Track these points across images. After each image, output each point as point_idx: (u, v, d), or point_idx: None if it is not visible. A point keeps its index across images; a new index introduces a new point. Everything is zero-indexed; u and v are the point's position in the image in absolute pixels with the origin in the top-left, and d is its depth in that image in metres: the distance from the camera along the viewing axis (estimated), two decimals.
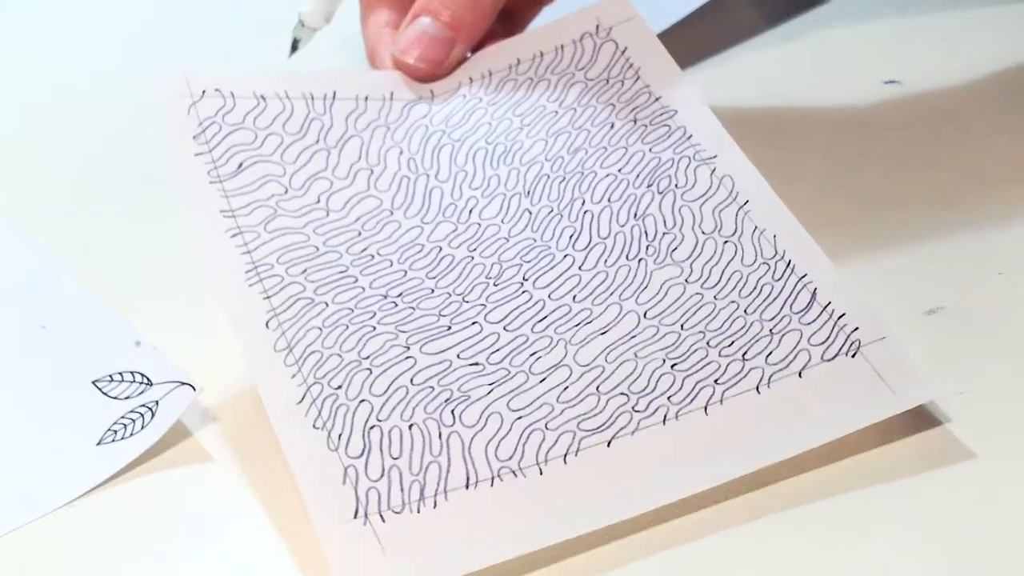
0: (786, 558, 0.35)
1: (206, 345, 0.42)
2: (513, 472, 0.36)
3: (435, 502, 0.36)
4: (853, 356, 0.38)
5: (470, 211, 0.43)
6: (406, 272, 0.41)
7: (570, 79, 0.47)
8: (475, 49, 0.48)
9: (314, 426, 0.37)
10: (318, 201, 0.43)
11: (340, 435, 0.37)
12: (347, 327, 0.39)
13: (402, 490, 0.36)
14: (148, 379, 0.40)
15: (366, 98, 0.46)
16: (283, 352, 0.39)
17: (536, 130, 0.45)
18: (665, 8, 0.56)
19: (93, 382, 0.40)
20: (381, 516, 0.35)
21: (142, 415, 0.39)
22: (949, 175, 0.48)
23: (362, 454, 0.36)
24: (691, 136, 0.44)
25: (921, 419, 0.38)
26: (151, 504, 0.37)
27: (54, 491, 0.37)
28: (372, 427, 0.37)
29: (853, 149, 0.50)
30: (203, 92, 0.44)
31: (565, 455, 0.37)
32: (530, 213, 0.43)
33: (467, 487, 0.36)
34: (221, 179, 0.43)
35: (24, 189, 0.51)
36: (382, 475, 0.36)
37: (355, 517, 0.35)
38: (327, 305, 0.40)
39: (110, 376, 0.40)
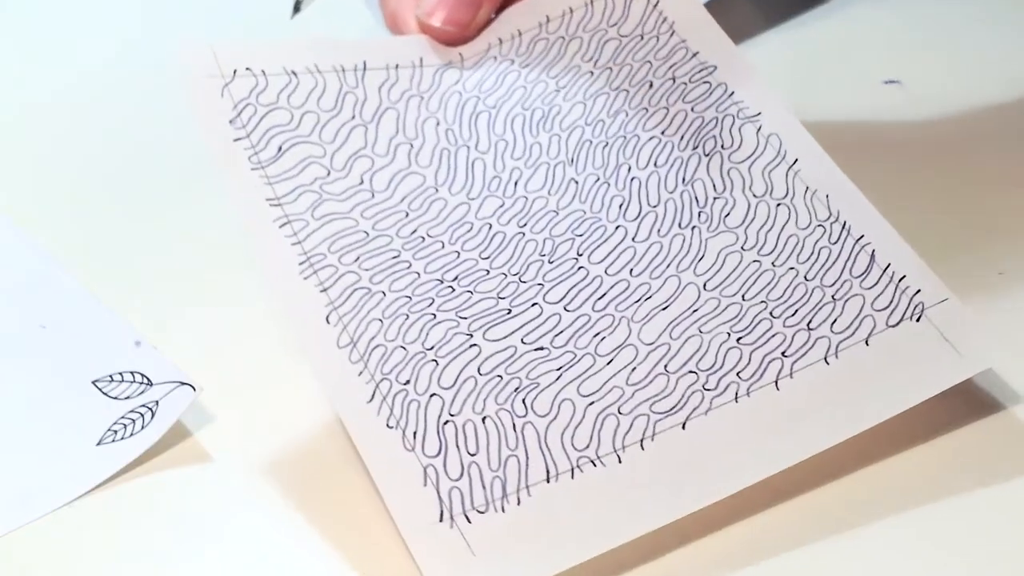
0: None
1: (206, 345, 0.42)
2: (592, 462, 0.35)
3: (518, 499, 0.35)
4: (918, 320, 0.37)
5: (515, 184, 0.42)
6: (459, 253, 0.40)
7: (603, 36, 0.45)
8: (501, 8, 0.47)
9: (388, 425, 0.36)
10: (361, 182, 0.42)
11: (415, 433, 0.36)
12: (407, 316, 0.38)
13: (484, 488, 0.35)
14: (148, 379, 0.40)
15: (396, 66, 0.45)
16: (347, 348, 0.38)
17: (573, 92, 0.44)
18: None
19: (93, 382, 0.40)
20: (467, 517, 0.35)
21: (142, 415, 0.39)
22: (949, 175, 0.48)
23: (439, 452, 0.36)
24: (733, 93, 0.43)
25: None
26: (151, 504, 0.37)
27: (54, 491, 0.37)
28: (446, 423, 0.36)
29: (853, 149, 0.50)
30: (234, 72, 0.43)
31: (641, 440, 0.36)
32: (576, 183, 0.42)
33: (548, 480, 0.35)
34: (263, 164, 0.41)
35: (24, 189, 0.51)
36: (462, 474, 0.35)
37: (440, 520, 0.34)
38: (384, 294, 0.39)
39: (110, 376, 0.40)
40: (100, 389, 0.40)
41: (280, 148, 0.41)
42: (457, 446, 0.36)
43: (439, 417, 0.36)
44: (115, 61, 0.58)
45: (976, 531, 0.35)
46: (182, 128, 0.52)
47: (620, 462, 0.35)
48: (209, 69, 0.42)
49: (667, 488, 0.35)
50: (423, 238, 0.41)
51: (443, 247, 0.40)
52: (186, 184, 0.49)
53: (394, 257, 0.40)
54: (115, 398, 0.39)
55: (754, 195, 0.40)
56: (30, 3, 0.63)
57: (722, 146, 0.42)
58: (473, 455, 0.35)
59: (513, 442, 0.36)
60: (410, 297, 0.39)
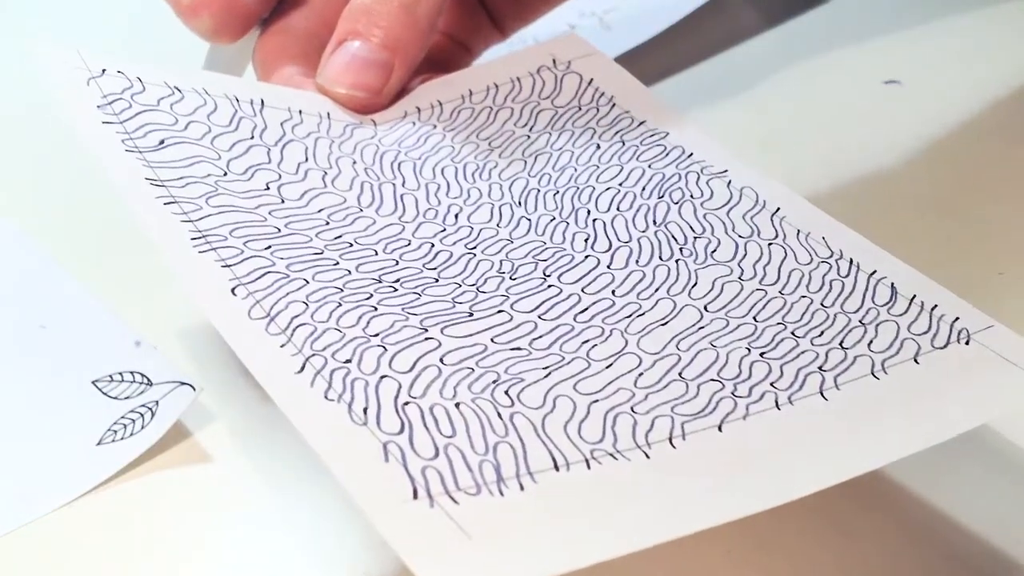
0: None
1: (206, 345, 0.42)
2: (612, 455, 0.30)
3: (520, 484, 0.29)
4: (967, 343, 0.34)
5: (456, 215, 0.37)
6: (397, 261, 0.35)
7: (535, 107, 0.41)
8: (416, 76, 0.42)
9: (327, 397, 0.30)
10: (268, 188, 0.36)
11: (366, 409, 0.30)
12: (339, 304, 0.32)
13: (470, 469, 0.29)
14: (148, 379, 0.40)
15: (300, 111, 0.39)
16: (262, 320, 0.32)
17: (509, 151, 0.39)
18: (665, 8, 0.56)
19: (93, 382, 0.40)
20: (451, 497, 0.29)
21: (142, 415, 0.39)
22: (949, 175, 0.48)
23: (402, 430, 0.30)
24: (692, 154, 0.39)
25: None
26: (151, 504, 0.37)
27: (54, 491, 0.37)
28: (406, 403, 0.30)
29: (853, 149, 0.50)
30: (103, 70, 0.37)
31: (670, 438, 0.31)
32: (529, 220, 0.37)
33: (557, 468, 0.30)
34: (140, 150, 0.35)
35: (24, 189, 0.50)
36: (437, 454, 0.29)
37: (415, 498, 0.29)
38: (307, 282, 0.33)
39: (110, 376, 0.40)
40: (100, 389, 0.40)
41: (162, 142, 0.36)
42: (426, 427, 0.30)
43: (396, 397, 0.30)
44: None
45: None
46: None
47: (648, 458, 0.30)
48: (73, 62, 0.37)
49: (711, 488, 0.30)
50: (351, 244, 0.35)
51: (376, 255, 0.35)
52: None
53: (316, 253, 0.34)
54: (115, 398, 0.39)
55: (740, 236, 0.36)
56: (30, 3, 0.63)
57: (691, 196, 0.38)
58: (450, 437, 0.30)
59: (502, 429, 0.30)
60: (340, 289, 0.33)
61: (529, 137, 0.40)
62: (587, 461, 0.30)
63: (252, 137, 0.37)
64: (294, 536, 0.36)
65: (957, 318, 0.34)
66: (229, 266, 0.33)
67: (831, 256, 0.36)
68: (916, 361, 0.33)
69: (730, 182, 0.38)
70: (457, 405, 0.31)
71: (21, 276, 0.44)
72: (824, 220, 0.37)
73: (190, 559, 0.36)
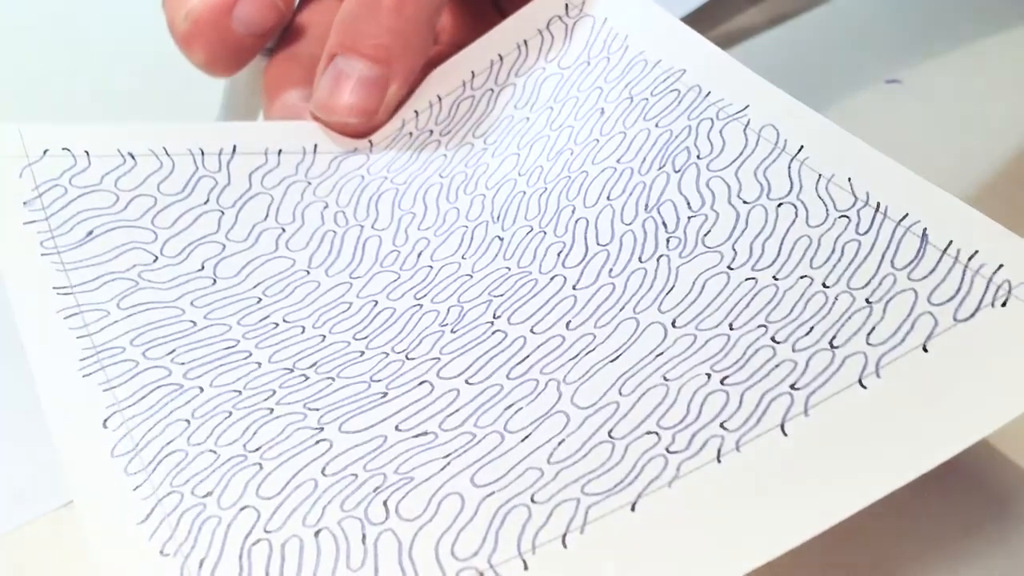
0: None
1: None
2: (481, 573, 0.25)
3: None
4: (1004, 304, 0.27)
5: (418, 255, 0.35)
6: (324, 337, 0.33)
7: (540, 75, 0.38)
8: (419, 79, 0.39)
9: (162, 552, 0.27)
10: (202, 268, 0.34)
11: (203, 560, 0.27)
12: (230, 413, 0.30)
13: None
14: None
15: (279, 151, 0.37)
16: (125, 456, 0.29)
17: (504, 146, 0.37)
18: (665, 8, 0.56)
19: None
20: None
21: None
22: (949, 175, 0.48)
23: None
24: (709, 93, 0.34)
25: None
26: None
27: (54, 491, 0.37)
28: (256, 542, 0.27)
29: None
30: (44, 151, 0.35)
31: (564, 535, 0.26)
32: (501, 240, 0.34)
33: None
34: (59, 250, 0.33)
35: None
36: None
37: None
38: (202, 390, 0.31)
39: None
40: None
41: (91, 233, 0.34)
42: (267, 572, 0.26)
43: (247, 536, 0.27)
44: (115, 60, 0.58)
45: None
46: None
47: (527, 569, 0.25)
48: (10, 149, 0.35)
49: None
50: (276, 324, 0.33)
51: (303, 331, 0.33)
52: None
53: (228, 348, 0.32)
54: None
55: (744, 202, 0.32)
56: (30, 3, 0.63)
57: (698, 156, 0.33)
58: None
59: (358, 560, 0.26)
60: (240, 392, 0.31)
61: (528, 119, 0.37)
62: None
63: (207, 202, 0.35)
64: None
65: (1000, 266, 0.28)
66: (112, 388, 0.31)
67: (853, 205, 0.30)
68: (925, 349, 0.27)
69: (748, 123, 0.33)
70: (317, 533, 0.27)
71: None
72: (854, 154, 0.31)
73: None
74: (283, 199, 0.36)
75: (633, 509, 0.26)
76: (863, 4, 0.59)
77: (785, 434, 0.26)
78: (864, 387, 0.27)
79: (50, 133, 0.35)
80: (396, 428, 0.29)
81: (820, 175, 0.31)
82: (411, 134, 0.38)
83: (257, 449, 0.29)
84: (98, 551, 0.27)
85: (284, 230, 0.35)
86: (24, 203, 0.34)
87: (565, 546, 0.25)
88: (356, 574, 0.26)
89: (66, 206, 0.34)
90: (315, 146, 0.37)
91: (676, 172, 0.33)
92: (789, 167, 0.32)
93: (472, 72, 0.39)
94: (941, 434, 0.25)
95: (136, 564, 0.26)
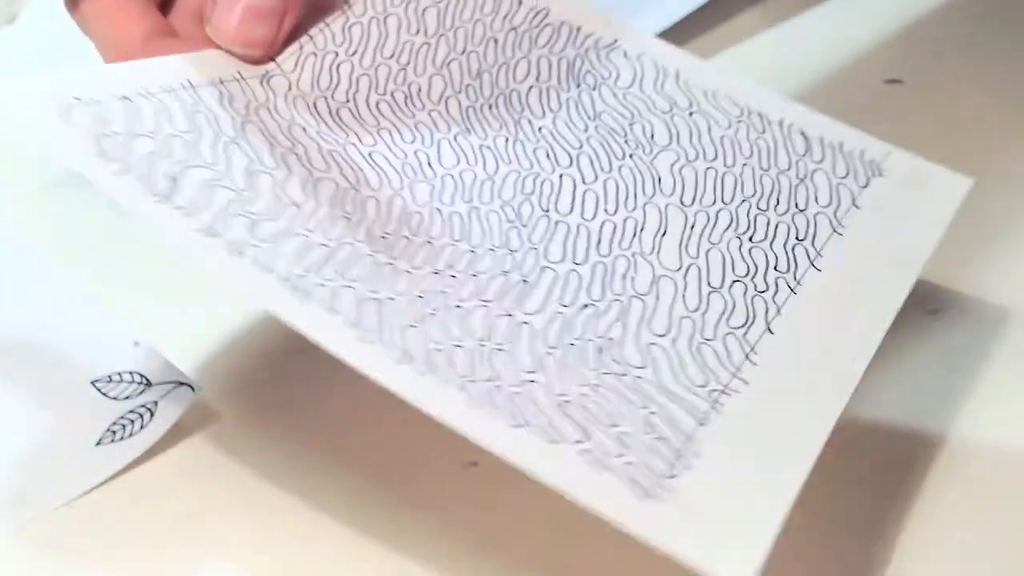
0: None
1: (206, 345, 0.42)
2: (723, 391, 0.33)
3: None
4: (881, 176, 0.38)
5: (429, 165, 0.38)
6: (431, 242, 0.35)
7: (417, 4, 0.40)
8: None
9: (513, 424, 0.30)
10: (277, 197, 0.34)
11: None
12: (434, 313, 0.33)
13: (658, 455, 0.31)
14: (147, 379, 0.40)
15: (220, 80, 0.37)
16: (405, 365, 0.31)
17: (421, 67, 0.40)
18: (665, 8, 0.56)
19: (92, 382, 0.40)
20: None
21: (141, 415, 0.39)
22: None
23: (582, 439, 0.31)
24: (580, 28, 0.41)
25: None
26: (151, 504, 0.37)
27: (54, 491, 0.37)
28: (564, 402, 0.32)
29: None
30: (75, 99, 0.34)
31: (747, 356, 0.34)
32: (490, 149, 0.38)
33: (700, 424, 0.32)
34: (166, 196, 0.33)
35: (24, 189, 0.50)
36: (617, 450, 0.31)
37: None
38: (393, 299, 0.33)
39: (109, 377, 0.40)
40: (99, 389, 0.39)
41: (175, 179, 0.33)
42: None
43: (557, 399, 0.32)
44: None
45: None
46: None
47: (747, 384, 0.33)
48: (38, 97, 0.34)
49: (806, 395, 0.33)
50: (383, 236, 0.35)
51: (409, 240, 0.35)
52: None
53: (372, 261, 0.33)
54: (114, 398, 0.39)
55: (663, 112, 0.39)
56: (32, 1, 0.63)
57: (602, 77, 0.40)
58: (615, 425, 0.31)
59: (640, 400, 0.32)
60: (421, 296, 0.33)
61: (430, 45, 0.40)
62: (709, 411, 0.32)
63: (217, 135, 0.35)
64: (293, 536, 0.36)
65: (863, 151, 0.38)
66: (337, 311, 0.32)
67: (743, 113, 0.39)
68: (856, 206, 0.37)
69: (626, 52, 0.40)
70: (596, 388, 0.32)
71: (21, 276, 0.44)
72: (719, 76, 0.40)
73: (190, 559, 0.36)
74: (265, 124, 0.36)
75: (771, 332, 0.34)
76: (863, 4, 0.59)
77: (819, 270, 0.36)
78: (840, 234, 0.37)
79: (59, 84, 0.34)
80: (563, 306, 0.34)
81: (705, 91, 0.39)
82: (315, 55, 0.39)
83: (486, 339, 0.32)
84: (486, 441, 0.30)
85: (296, 153, 0.36)
86: (97, 155, 0.33)
87: (754, 364, 0.33)
88: (645, 407, 0.32)
89: (131, 153, 0.33)
90: (239, 72, 0.37)
91: (593, 90, 0.39)
92: (678, 86, 0.39)
93: (348, 2, 0.40)
94: (910, 255, 0.36)
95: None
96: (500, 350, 0.32)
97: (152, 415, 0.38)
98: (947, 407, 0.38)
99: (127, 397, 0.39)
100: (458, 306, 0.33)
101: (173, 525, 0.36)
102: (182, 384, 0.39)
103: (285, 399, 0.40)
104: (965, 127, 0.51)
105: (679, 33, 0.55)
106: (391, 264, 0.34)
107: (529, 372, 0.32)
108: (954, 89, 0.53)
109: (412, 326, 0.32)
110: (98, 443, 0.38)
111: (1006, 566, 0.34)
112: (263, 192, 0.34)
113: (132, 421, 0.38)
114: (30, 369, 0.41)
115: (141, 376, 0.40)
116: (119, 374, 0.40)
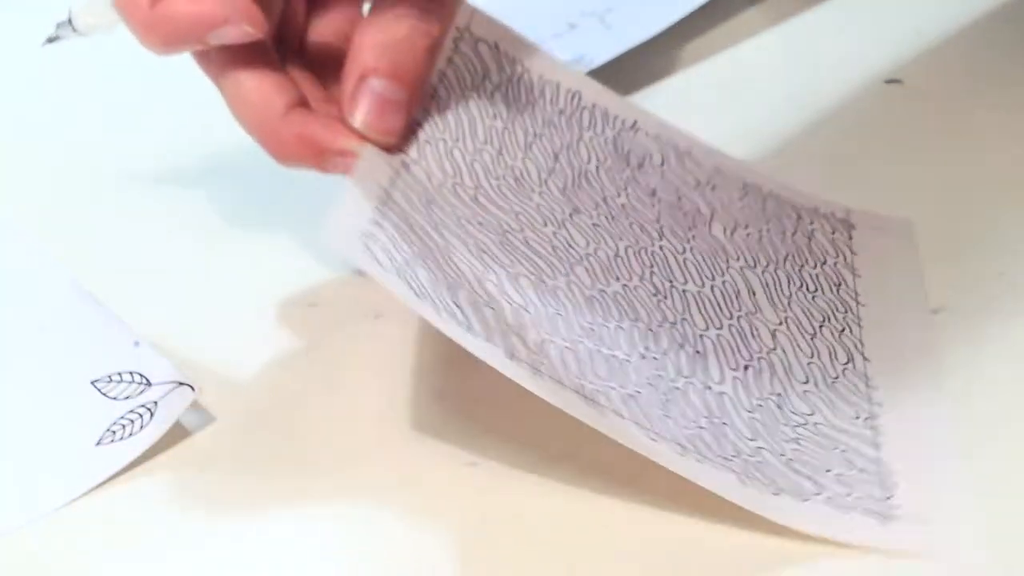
0: None
1: (206, 345, 0.42)
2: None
3: None
4: (855, 228, 0.43)
5: (570, 247, 0.40)
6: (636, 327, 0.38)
7: (486, 88, 0.42)
8: None
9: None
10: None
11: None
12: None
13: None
14: (147, 379, 0.39)
15: (391, 183, 0.39)
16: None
17: (511, 151, 0.42)
18: (665, 8, 0.56)
19: (92, 382, 0.40)
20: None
21: (141, 416, 0.39)
22: (950, 175, 0.48)
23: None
24: (607, 109, 0.44)
25: None
26: (151, 504, 0.37)
27: (54, 491, 0.37)
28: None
29: (853, 149, 0.50)
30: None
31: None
32: (600, 227, 0.41)
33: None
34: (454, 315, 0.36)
35: (24, 189, 0.50)
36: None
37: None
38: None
39: (109, 377, 0.40)
40: (99, 390, 0.39)
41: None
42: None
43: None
44: (115, 60, 0.58)
45: None
46: (184, 126, 0.52)
47: (881, 406, 0.37)
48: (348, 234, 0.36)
49: (923, 405, 0.38)
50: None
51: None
52: (187, 183, 0.49)
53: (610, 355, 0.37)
54: (114, 399, 0.39)
55: (693, 187, 0.43)
56: (30, 2, 0.63)
57: (640, 157, 0.43)
58: (829, 470, 0.35)
59: (829, 442, 0.36)
60: (651, 384, 0.36)
61: (509, 130, 0.42)
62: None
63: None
64: (293, 535, 0.36)
65: (832, 211, 0.44)
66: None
67: (744, 188, 0.44)
68: (854, 252, 0.43)
69: (647, 133, 0.43)
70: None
71: (21, 276, 0.44)
72: (715, 152, 0.44)
73: (190, 559, 0.35)
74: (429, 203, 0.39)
75: (867, 359, 0.39)
76: (863, 4, 0.59)
77: (863, 305, 0.41)
78: (860, 276, 0.42)
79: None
80: (731, 369, 0.37)
81: (714, 167, 0.44)
82: (429, 143, 0.41)
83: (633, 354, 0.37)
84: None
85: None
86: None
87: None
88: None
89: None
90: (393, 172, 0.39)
91: (639, 168, 0.43)
92: (695, 162, 0.44)
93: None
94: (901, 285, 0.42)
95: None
96: (724, 424, 0.36)
97: (151, 415, 0.38)
98: (946, 407, 0.38)
99: (127, 397, 0.39)
100: (676, 388, 0.36)
101: (172, 525, 0.36)
102: (182, 384, 0.39)
103: (284, 399, 0.40)
104: (965, 127, 0.51)
105: (680, 33, 0.55)
106: (614, 356, 0.37)
107: (752, 440, 0.35)
108: (954, 89, 0.53)
109: (667, 416, 0.35)
110: (98, 443, 0.38)
111: (1006, 566, 0.34)
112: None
113: (132, 421, 0.38)
114: (29, 369, 0.41)
115: (141, 376, 0.40)
116: (119, 374, 0.40)
